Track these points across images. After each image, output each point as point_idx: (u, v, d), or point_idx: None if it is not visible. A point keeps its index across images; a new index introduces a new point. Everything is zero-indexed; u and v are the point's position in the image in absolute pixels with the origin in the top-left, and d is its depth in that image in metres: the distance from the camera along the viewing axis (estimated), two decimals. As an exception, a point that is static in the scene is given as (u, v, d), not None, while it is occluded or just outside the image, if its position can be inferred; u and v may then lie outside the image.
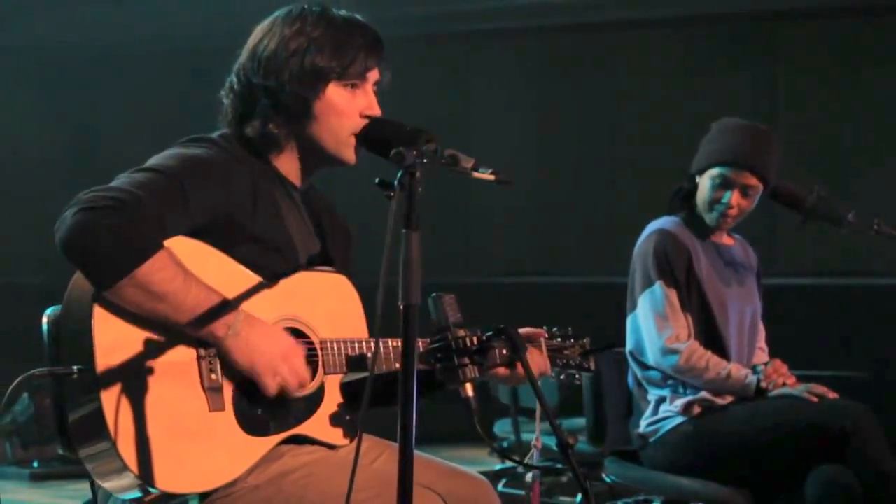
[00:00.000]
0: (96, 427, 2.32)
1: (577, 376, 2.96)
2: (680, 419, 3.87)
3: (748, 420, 3.80)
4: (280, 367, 2.44)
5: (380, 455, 2.69)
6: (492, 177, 2.38)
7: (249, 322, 2.42)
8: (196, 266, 2.40)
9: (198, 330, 2.39)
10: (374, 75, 2.64)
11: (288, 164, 2.66)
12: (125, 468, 2.31)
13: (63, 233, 2.31)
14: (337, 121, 2.59)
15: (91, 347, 2.32)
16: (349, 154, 2.63)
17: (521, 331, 2.75)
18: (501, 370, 2.70)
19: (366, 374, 2.59)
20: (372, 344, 2.56)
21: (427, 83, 8.51)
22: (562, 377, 2.94)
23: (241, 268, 2.49)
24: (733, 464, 3.81)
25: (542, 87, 8.69)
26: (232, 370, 2.44)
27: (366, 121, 2.60)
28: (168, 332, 2.39)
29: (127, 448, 2.31)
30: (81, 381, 2.33)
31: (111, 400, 2.32)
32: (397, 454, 2.14)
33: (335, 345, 2.56)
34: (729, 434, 3.80)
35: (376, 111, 2.62)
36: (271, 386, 2.44)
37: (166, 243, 2.38)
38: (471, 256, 8.91)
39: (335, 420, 2.58)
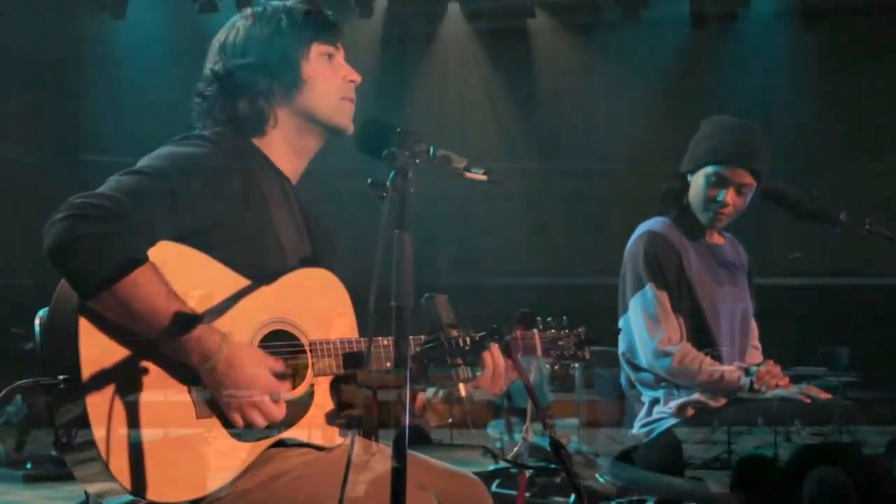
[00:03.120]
0: (83, 435, 2.30)
1: (571, 366, 2.96)
2: (674, 420, 3.87)
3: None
4: (246, 409, 2.41)
5: (373, 455, 2.68)
6: (484, 177, 2.38)
7: (228, 362, 2.38)
8: (182, 272, 2.38)
9: (172, 352, 2.36)
10: (340, 51, 2.72)
11: (282, 150, 2.67)
12: (112, 478, 2.29)
13: (50, 239, 2.29)
14: (325, 84, 2.66)
15: (77, 358, 2.30)
16: (345, 119, 2.68)
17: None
18: (487, 382, 2.66)
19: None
20: (363, 343, 2.55)
21: (422, 84, 8.51)
22: (556, 367, 2.95)
23: (228, 270, 2.47)
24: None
25: (531, 88, 8.69)
26: None
27: (351, 84, 2.69)
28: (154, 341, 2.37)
29: (114, 459, 2.29)
30: (68, 390, 2.31)
31: (97, 409, 2.30)
32: (390, 455, 2.13)
33: (326, 346, 2.55)
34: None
35: (356, 77, 2.71)
36: (235, 421, 2.42)
37: (152, 251, 2.35)
38: (464, 257, 8.90)
39: (325, 422, 2.57)
